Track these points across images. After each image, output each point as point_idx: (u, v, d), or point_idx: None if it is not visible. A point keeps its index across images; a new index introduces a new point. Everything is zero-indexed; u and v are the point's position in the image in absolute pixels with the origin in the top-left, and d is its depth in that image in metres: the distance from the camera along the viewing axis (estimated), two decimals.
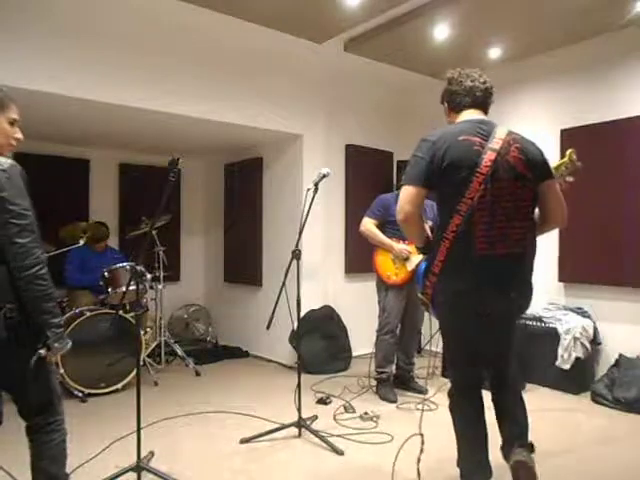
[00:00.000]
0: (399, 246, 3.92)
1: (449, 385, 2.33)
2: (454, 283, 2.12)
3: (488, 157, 2.08)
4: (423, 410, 2.47)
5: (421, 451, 2.45)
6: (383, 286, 4.01)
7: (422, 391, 4.06)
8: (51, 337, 1.86)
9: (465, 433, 2.23)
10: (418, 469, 2.40)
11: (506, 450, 2.18)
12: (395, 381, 4.12)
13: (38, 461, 1.98)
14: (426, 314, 4.81)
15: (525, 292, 2.21)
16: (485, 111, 2.30)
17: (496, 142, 2.12)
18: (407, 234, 2.32)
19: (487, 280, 2.10)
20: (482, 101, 2.28)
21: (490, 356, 2.30)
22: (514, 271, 2.14)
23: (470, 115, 2.26)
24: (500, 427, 2.25)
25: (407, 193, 2.18)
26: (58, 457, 2.02)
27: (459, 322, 2.20)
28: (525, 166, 2.12)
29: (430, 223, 4.10)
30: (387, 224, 4.04)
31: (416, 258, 3.95)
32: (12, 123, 1.94)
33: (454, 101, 2.32)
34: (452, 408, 2.30)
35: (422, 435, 2.49)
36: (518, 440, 2.16)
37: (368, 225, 4.05)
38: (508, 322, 2.29)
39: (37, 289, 1.82)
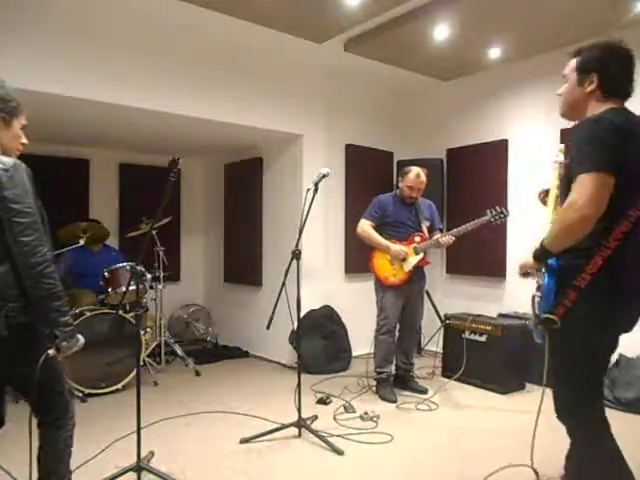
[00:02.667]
0: (395, 247, 3.92)
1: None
2: (611, 297, 1.80)
3: None
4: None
5: None
6: (381, 287, 4.01)
7: (422, 391, 4.07)
8: (59, 336, 1.85)
9: (622, 463, 1.88)
10: None
11: None
12: (395, 381, 4.12)
13: (41, 456, 2.00)
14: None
15: None
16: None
17: None
18: (580, 233, 1.72)
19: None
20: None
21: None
22: None
23: (620, 104, 1.88)
24: None
25: (599, 180, 1.67)
26: (61, 454, 2.03)
27: (606, 340, 1.93)
28: None
29: (427, 223, 4.11)
30: (385, 225, 4.02)
31: (413, 259, 3.94)
32: (22, 128, 2.00)
33: (616, 86, 1.87)
34: (596, 452, 1.90)
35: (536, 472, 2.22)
36: None
37: (365, 227, 4.04)
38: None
39: (43, 287, 1.82)
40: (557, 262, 1.85)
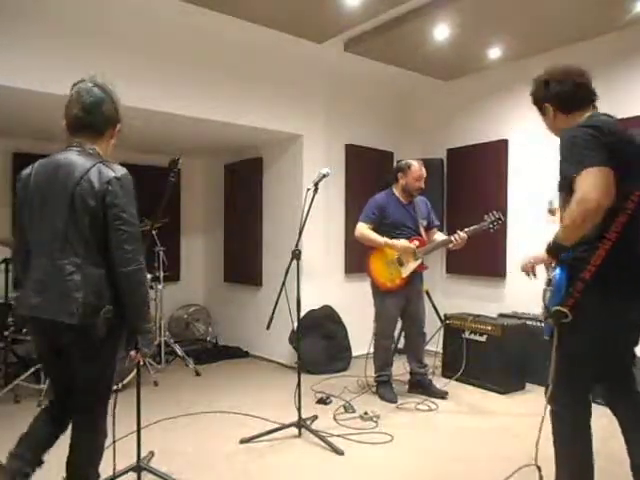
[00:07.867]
0: (402, 242, 3.82)
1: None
2: (616, 288, 1.86)
3: None
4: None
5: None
6: (378, 292, 3.96)
7: (443, 396, 3.95)
8: (143, 341, 1.93)
9: (589, 462, 2.01)
10: None
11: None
12: (412, 388, 4.07)
13: (70, 455, 2.00)
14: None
15: None
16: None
17: None
18: (584, 227, 1.78)
19: None
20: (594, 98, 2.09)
21: (619, 366, 2.10)
22: None
23: (592, 112, 2.06)
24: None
25: (602, 175, 1.74)
26: (88, 455, 2.03)
27: (613, 331, 1.94)
28: None
29: (424, 223, 4.07)
30: (383, 227, 3.94)
31: (411, 264, 3.89)
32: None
33: (569, 101, 2.10)
34: (573, 440, 2.04)
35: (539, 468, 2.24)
36: None
37: (363, 230, 3.95)
38: None
39: (140, 294, 1.90)
40: (568, 256, 1.91)
